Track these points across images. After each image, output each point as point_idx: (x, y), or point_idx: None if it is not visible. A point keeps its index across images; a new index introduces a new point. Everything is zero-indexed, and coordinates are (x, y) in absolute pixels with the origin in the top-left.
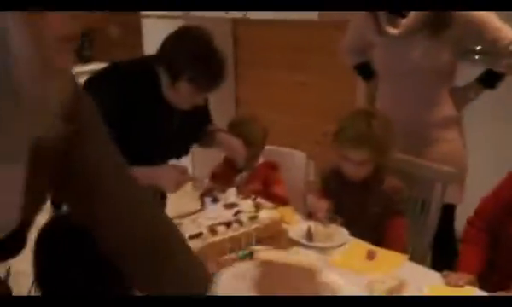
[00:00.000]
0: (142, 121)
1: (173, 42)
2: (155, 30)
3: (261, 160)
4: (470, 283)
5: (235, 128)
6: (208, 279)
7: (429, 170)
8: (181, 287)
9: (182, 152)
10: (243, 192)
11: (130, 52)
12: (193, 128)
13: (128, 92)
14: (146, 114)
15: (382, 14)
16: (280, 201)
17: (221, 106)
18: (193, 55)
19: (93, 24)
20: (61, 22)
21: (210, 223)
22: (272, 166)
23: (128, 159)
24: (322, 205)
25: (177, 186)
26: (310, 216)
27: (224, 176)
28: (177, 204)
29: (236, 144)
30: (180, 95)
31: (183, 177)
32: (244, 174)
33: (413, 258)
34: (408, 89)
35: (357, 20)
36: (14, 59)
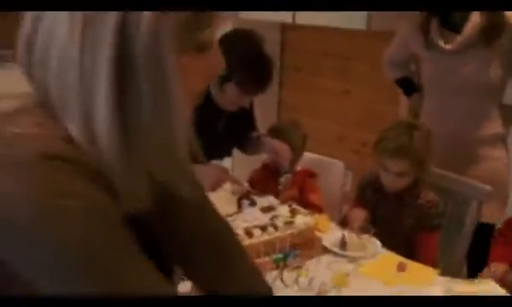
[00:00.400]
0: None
1: (223, 44)
2: None
3: (299, 167)
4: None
5: (276, 133)
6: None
7: (466, 186)
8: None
9: (225, 153)
10: (280, 197)
11: None
12: (237, 131)
13: None
14: (194, 112)
15: (434, 29)
16: (314, 209)
17: (263, 109)
18: (242, 59)
19: None
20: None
21: (246, 225)
22: (310, 174)
23: None
24: (360, 215)
25: (216, 184)
26: (343, 224)
27: (261, 182)
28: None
29: (283, 148)
30: (227, 96)
31: (222, 177)
32: (288, 176)
33: (445, 273)
34: (457, 105)
35: (403, 32)
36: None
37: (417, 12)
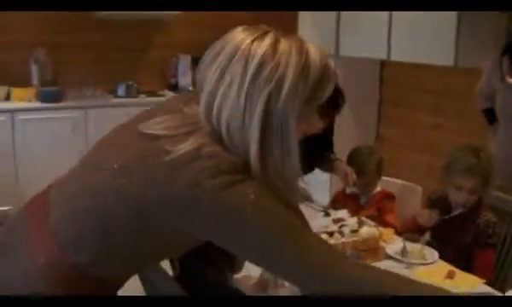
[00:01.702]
0: None
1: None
2: None
3: (379, 189)
4: None
5: (352, 156)
6: None
7: None
8: None
9: (306, 170)
10: (359, 215)
11: None
12: (316, 152)
13: None
14: None
15: (505, 63)
16: (389, 227)
17: (364, 140)
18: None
19: None
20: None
21: (316, 230)
22: (388, 196)
23: None
24: (432, 217)
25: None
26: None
27: (344, 200)
28: None
29: (347, 171)
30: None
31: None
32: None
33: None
34: None
35: (486, 67)
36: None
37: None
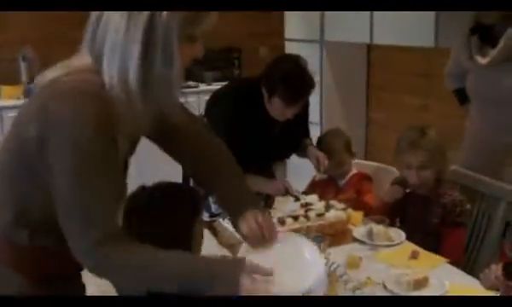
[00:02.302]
0: (249, 128)
1: (272, 64)
2: (296, 52)
3: (355, 171)
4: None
5: (320, 140)
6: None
7: (496, 188)
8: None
9: (282, 156)
10: (339, 199)
11: None
12: (292, 138)
13: (239, 104)
14: (253, 122)
15: (474, 43)
16: (369, 209)
17: (353, 125)
18: (283, 75)
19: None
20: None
21: (281, 215)
22: (365, 177)
23: (240, 159)
24: (395, 191)
25: (278, 191)
26: None
27: (321, 186)
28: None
29: (319, 156)
30: (274, 108)
31: (285, 189)
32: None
33: (474, 271)
34: (495, 114)
35: (456, 47)
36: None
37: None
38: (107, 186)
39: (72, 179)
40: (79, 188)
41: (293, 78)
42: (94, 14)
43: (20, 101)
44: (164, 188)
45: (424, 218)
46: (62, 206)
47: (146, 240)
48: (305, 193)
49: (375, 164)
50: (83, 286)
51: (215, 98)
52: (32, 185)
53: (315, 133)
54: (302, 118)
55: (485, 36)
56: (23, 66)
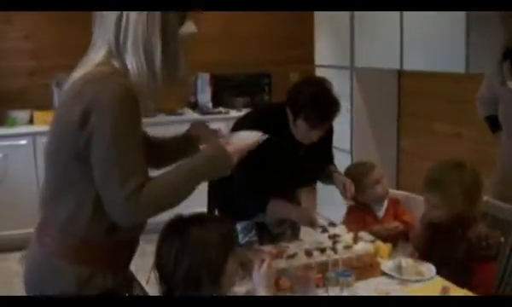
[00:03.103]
0: (273, 152)
1: (297, 87)
2: (326, 77)
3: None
4: None
5: (350, 171)
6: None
7: None
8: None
9: (307, 182)
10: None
11: None
12: (316, 164)
13: (262, 128)
14: (276, 146)
15: (506, 68)
16: (409, 226)
17: (384, 152)
18: (309, 97)
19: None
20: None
21: (307, 247)
22: (396, 201)
23: (264, 184)
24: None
25: (305, 223)
26: None
27: (359, 215)
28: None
29: (346, 183)
30: (299, 130)
31: (310, 218)
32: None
33: None
34: None
35: (487, 73)
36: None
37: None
38: (138, 145)
39: (111, 141)
40: (117, 147)
41: (319, 100)
42: (112, 16)
43: None
44: (201, 219)
45: (449, 253)
46: (102, 167)
47: (181, 267)
48: (333, 224)
49: (404, 193)
50: (131, 279)
51: (239, 123)
52: (83, 176)
53: (345, 161)
54: (326, 144)
55: None
56: (56, 92)
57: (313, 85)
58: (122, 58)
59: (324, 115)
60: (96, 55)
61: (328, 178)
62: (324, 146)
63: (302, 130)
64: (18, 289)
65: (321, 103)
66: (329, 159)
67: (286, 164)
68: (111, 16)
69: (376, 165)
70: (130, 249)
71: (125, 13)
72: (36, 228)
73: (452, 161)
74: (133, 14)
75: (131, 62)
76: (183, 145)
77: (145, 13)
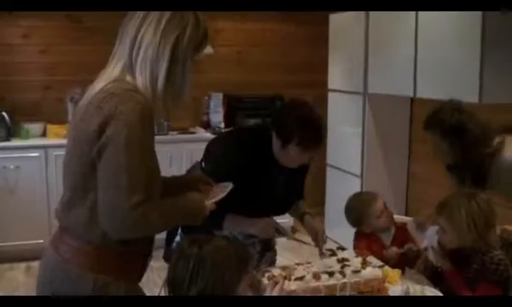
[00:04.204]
0: (250, 172)
1: (284, 111)
2: (339, 103)
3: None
4: None
5: (356, 204)
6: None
7: None
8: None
9: (284, 208)
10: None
11: None
12: (291, 193)
13: (242, 151)
14: (254, 167)
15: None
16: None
17: (394, 178)
18: (300, 121)
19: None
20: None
21: (316, 270)
22: (404, 228)
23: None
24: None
25: (265, 231)
26: None
27: (366, 241)
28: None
29: (318, 231)
30: (289, 155)
31: (273, 230)
32: (393, 249)
33: None
34: None
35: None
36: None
37: None
38: (148, 161)
39: (125, 150)
40: (130, 157)
41: (311, 123)
42: (131, 33)
43: (66, 141)
44: (217, 240)
45: (462, 273)
46: (111, 176)
47: (195, 286)
48: (342, 247)
49: (406, 218)
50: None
51: (219, 141)
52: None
53: (355, 186)
54: (302, 176)
55: None
56: (70, 106)
57: (301, 109)
58: (134, 74)
59: (318, 138)
60: (114, 70)
61: (299, 215)
62: (299, 177)
63: (293, 154)
64: None
65: (312, 126)
66: (301, 193)
67: (265, 189)
68: (130, 33)
69: (380, 196)
70: (143, 261)
71: (141, 33)
72: (52, 237)
73: (465, 191)
74: (148, 36)
75: (138, 79)
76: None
77: (159, 36)
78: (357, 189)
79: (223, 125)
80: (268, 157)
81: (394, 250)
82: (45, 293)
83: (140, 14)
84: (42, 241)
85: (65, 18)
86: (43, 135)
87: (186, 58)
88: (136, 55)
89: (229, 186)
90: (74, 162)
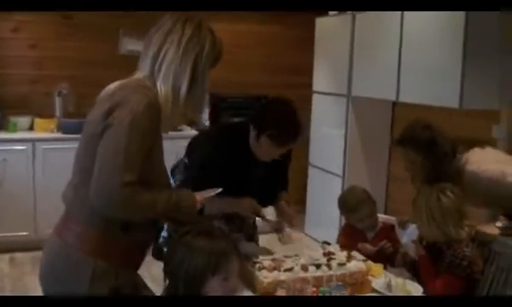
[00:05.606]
0: (230, 167)
1: (264, 106)
2: (323, 105)
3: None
4: None
5: (340, 198)
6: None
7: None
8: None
9: (264, 201)
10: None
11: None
12: (271, 186)
13: (222, 145)
14: (235, 161)
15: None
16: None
17: (375, 179)
18: (277, 115)
19: None
20: None
21: (304, 262)
22: (391, 227)
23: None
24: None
25: (252, 211)
26: None
27: (351, 234)
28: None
29: (288, 214)
30: (262, 147)
31: (253, 208)
32: (367, 246)
33: None
34: None
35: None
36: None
37: None
38: (145, 151)
39: (126, 132)
40: (130, 140)
41: (286, 120)
42: (154, 49)
43: (54, 135)
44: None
45: (435, 265)
46: (109, 154)
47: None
48: (327, 242)
49: (392, 217)
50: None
51: (199, 138)
52: None
53: (337, 185)
54: (283, 169)
55: None
56: (58, 101)
57: (281, 105)
58: (154, 83)
59: (290, 135)
60: (135, 76)
61: (275, 204)
62: (280, 170)
63: (265, 147)
64: (8, 289)
65: (287, 123)
66: (284, 185)
67: (240, 182)
68: (153, 49)
69: (369, 196)
70: (142, 249)
71: (163, 50)
72: (56, 225)
73: (437, 185)
74: (170, 53)
75: (161, 88)
76: None
77: (181, 53)
78: (339, 189)
79: (208, 123)
80: (246, 151)
81: (368, 247)
82: (47, 276)
83: (162, 33)
84: (26, 234)
85: (55, 13)
86: (31, 128)
87: (204, 72)
88: (158, 68)
89: (217, 190)
90: (84, 144)
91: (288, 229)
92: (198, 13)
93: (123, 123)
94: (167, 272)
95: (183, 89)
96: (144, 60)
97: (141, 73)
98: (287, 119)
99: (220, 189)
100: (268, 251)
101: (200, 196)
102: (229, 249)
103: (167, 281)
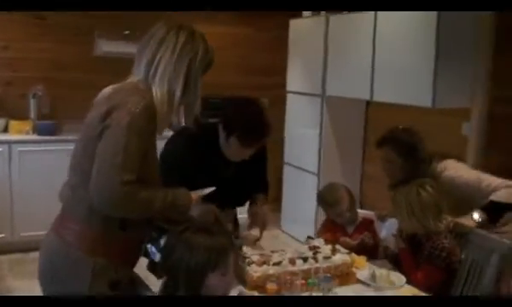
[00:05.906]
0: (201, 167)
1: (232, 106)
2: (297, 105)
3: (361, 218)
4: None
5: (320, 193)
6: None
7: (489, 240)
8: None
9: (234, 202)
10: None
11: (275, 119)
12: (243, 186)
13: (193, 145)
14: (206, 162)
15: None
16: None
17: (349, 177)
18: (243, 116)
19: None
20: None
21: (291, 255)
22: (371, 221)
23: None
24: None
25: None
26: None
27: (332, 229)
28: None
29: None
30: (231, 148)
31: (212, 213)
32: (346, 239)
33: None
34: None
35: None
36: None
37: None
38: (143, 150)
39: (125, 133)
40: (128, 140)
41: (253, 120)
42: (145, 58)
43: (30, 137)
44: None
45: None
46: (108, 153)
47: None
48: (311, 237)
49: (371, 212)
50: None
51: (173, 139)
52: None
53: (312, 183)
54: (258, 170)
55: None
56: (32, 103)
57: (249, 106)
58: (150, 87)
59: (257, 135)
60: (130, 80)
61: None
62: (255, 171)
63: (234, 148)
64: None
65: (255, 123)
66: (264, 186)
67: (212, 182)
68: (147, 56)
69: (349, 191)
70: (139, 247)
71: (158, 56)
72: (53, 224)
73: (418, 181)
74: (165, 59)
75: (156, 91)
76: None
77: (175, 58)
78: (314, 187)
79: (183, 123)
80: (217, 151)
81: (348, 240)
82: (46, 274)
83: (156, 40)
84: (3, 236)
85: (28, 14)
86: (5, 130)
87: (197, 77)
88: (153, 74)
89: (211, 189)
90: (82, 146)
91: (253, 232)
92: (172, 14)
93: (121, 124)
94: (166, 268)
95: (178, 93)
96: (138, 65)
97: (135, 78)
98: (254, 121)
99: (214, 188)
100: (253, 238)
101: (196, 195)
102: (228, 245)
103: (165, 278)
